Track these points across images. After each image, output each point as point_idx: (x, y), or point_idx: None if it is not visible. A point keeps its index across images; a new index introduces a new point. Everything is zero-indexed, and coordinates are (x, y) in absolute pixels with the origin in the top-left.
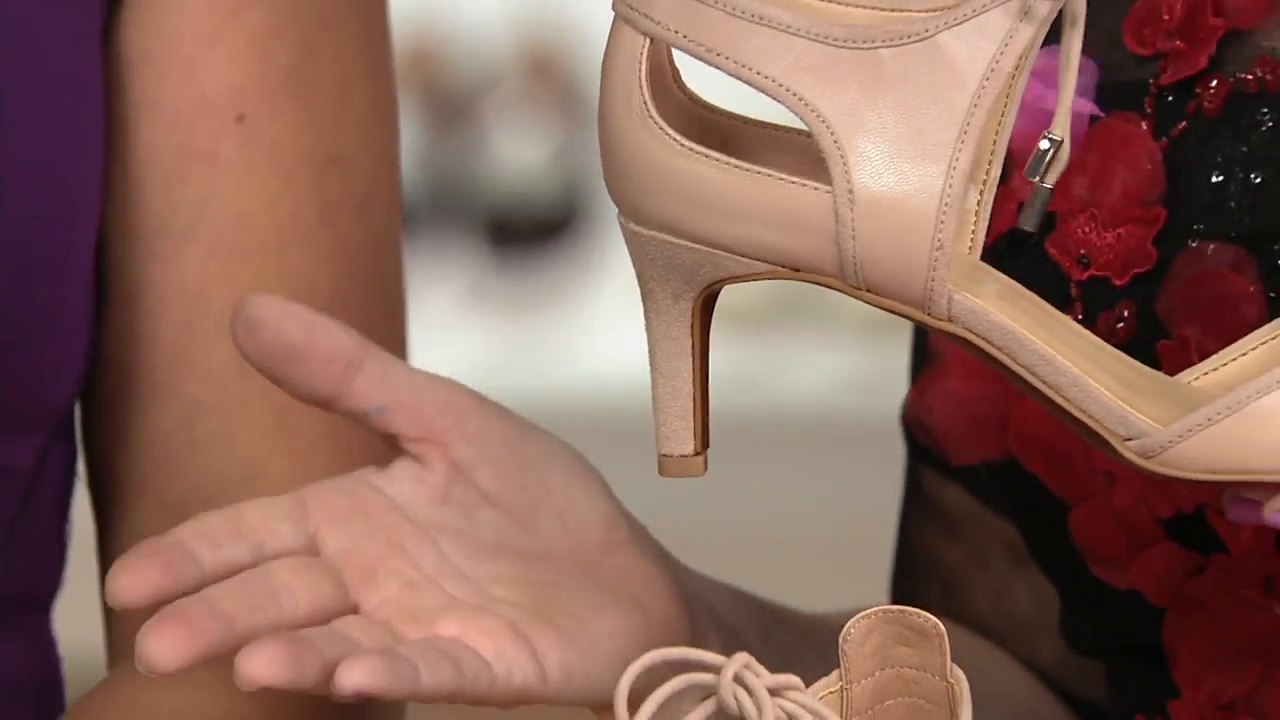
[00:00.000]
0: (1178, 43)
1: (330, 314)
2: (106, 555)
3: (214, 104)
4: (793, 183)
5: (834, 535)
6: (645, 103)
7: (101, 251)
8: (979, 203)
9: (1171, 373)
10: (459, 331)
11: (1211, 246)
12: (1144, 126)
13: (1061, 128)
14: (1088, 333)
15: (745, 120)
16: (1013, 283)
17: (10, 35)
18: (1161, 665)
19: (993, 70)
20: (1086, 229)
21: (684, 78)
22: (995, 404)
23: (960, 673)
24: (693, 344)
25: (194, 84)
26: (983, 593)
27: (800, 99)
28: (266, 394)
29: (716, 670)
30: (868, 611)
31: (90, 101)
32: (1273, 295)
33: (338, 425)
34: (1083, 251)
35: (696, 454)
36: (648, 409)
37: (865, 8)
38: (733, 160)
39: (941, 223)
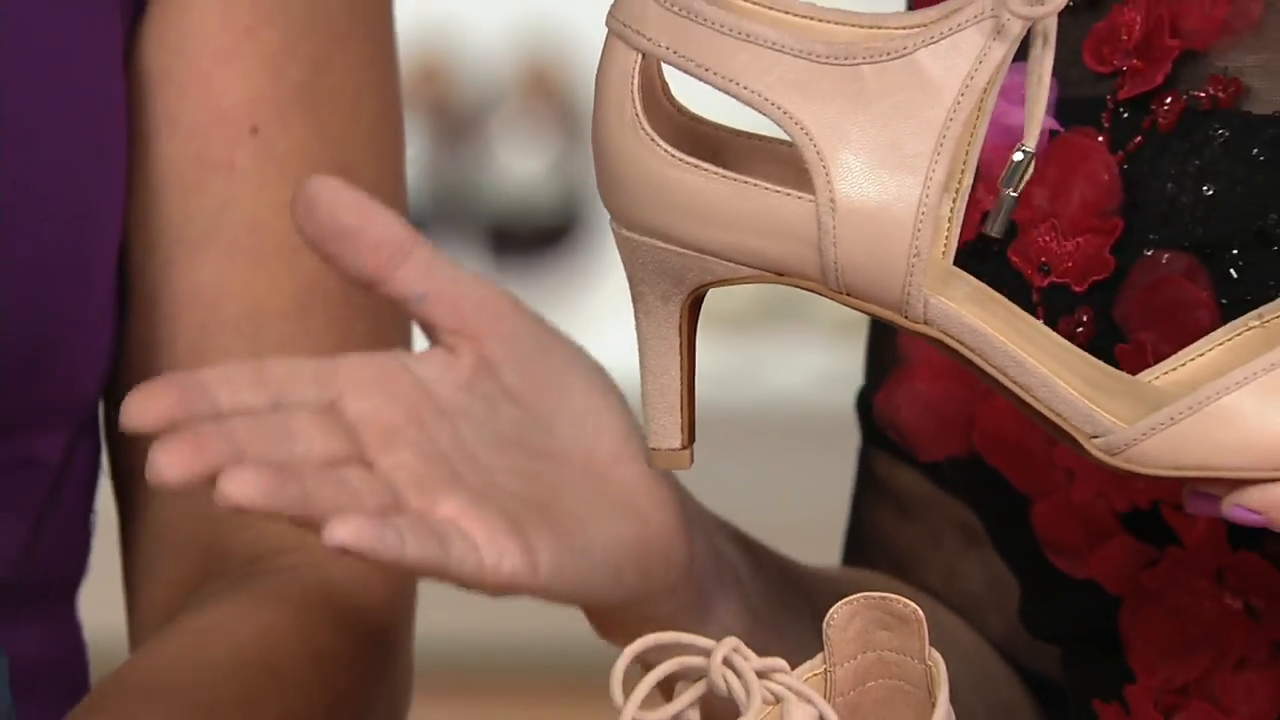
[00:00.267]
0: (1135, 61)
1: (338, 315)
2: (129, 545)
3: (229, 117)
4: (777, 192)
5: (812, 522)
6: (637, 115)
7: (123, 257)
8: (952, 211)
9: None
10: None
11: (1166, 255)
12: (1101, 140)
13: (1033, 140)
14: (1055, 334)
15: (732, 132)
16: (983, 286)
17: (43, 59)
18: (1117, 651)
19: (967, 86)
20: (1047, 238)
21: (674, 91)
22: (960, 404)
23: (938, 656)
24: (680, 343)
25: (211, 98)
26: (935, 571)
27: (785, 112)
28: None
29: (706, 653)
30: (851, 598)
31: (114, 117)
32: (1224, 302)
33: None
34: (1044, 259)
35: (684, 447)
36: (638, 405)
37: (847, 25)
38: (720, 170)
39: (918, 230)
